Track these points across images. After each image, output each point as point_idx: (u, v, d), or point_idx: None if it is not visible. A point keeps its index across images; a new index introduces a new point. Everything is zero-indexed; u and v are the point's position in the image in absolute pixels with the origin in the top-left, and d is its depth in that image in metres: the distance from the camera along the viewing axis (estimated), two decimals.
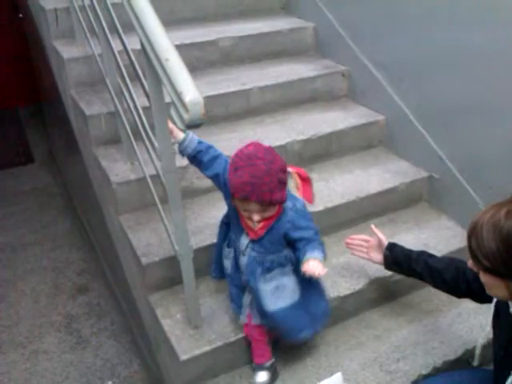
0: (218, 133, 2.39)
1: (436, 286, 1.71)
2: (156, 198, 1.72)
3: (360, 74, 2.62)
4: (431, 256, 1.72)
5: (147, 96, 1.48)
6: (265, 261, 1.53)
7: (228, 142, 2.30)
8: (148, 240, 1.94)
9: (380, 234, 1.80)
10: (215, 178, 1.58)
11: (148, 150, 1.71)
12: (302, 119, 2.53)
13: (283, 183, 1.43)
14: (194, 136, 1.56)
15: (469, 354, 1.80)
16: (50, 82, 3.17)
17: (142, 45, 1.31)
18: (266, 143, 2.25)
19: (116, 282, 3.04)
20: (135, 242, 1.93)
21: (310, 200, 1.59)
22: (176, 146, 1.55)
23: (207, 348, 1.69)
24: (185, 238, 1.58)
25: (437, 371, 1.74)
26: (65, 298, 3.27)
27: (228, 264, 1.66)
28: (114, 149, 2.23)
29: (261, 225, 1.48)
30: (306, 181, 1.59)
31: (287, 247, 1.55)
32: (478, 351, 1.58)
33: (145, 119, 1.64)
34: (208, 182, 1.75)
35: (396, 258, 1.74)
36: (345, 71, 2.69)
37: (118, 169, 2.10)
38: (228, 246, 1.65)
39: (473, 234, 1.10)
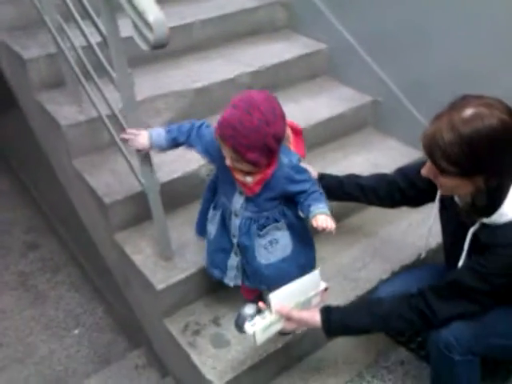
0: (163, 70, 2.36)
1: (371, 202, 1.77)
2: (115, 134, 1.69)
3: (300, 2, 2.63)
4: (359, 176, 1.76)
5: (96, 27, 1.43)
6: (260, 218, 1.48)
7: (175, 78, 2.28)
8: (107, 181, 1.92)
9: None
10: (201, 148, 1.50)
11: (99, 89, 1.66)
12: (247, 52, 2.52)
13: (269, 150, 1.33)
14: (157, 130, 1.50)
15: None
16: None
17: None
18: (214, 78, 2.29)
19: (69, 234, 2.99)
20: (94, 184, 1.90)
21: (303, 154, 1.53)
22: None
23: (181, 276, 1.74)
24: (151, 170, 1.58)
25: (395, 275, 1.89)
26: (15, 256, 3.19)
27: (212, 228, 1.59)
28: (57, 93, 2.13)
29: (256, 180, 1.41)
30: (298, 134, 1.53)
31: (283, 203, 1.49)
32: (425, 241, 1.70)
33: (100, 54, 1.56)
34: None
35: (328, 186, 1.68)
36: (284, 1, 2.69)
37: (65, 112, 2.02)
38: (214, 209, 1.58)
39: (433, 145, 1.17)
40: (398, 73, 2.31)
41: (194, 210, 1.98)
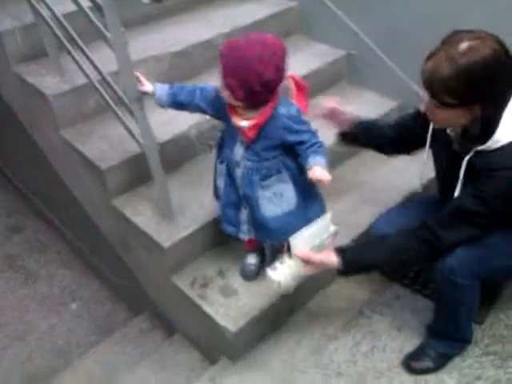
0: (137, 36, 2.33)
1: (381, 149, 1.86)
2: (108, 98, 1.70)
3: None
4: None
5: None
6: (261, 168, 1.52)
7: (151, 43, 2.27)
8: (99, 147, 1.93)
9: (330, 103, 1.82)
10: (207, 105, 1.56)
11: (87, 55, 1.66)
12: (219, 14, 2.54)
13: (249, 88, 1.35)
14: (162, 85, 1.57)
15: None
16: None
17: None
18: (190, 40, 2.29)
19: (55, 213, 2.97)
20: (87, 152, 1.91)
21: (304, 109, 1.55)
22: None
23: (185, 233, 1.79)
24: (149, 130, 1.61)
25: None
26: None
27: (221, 182, 1.63)
28: (36, 64, 2.11)
29: (251, 125, 1.45)
30: (301, 89, 1.56)
31: (284, 154, 1.52)
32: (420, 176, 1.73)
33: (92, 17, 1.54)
34: None
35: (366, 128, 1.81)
36: None
37: (48, 82, 2.01)
38: (221, 163, 1.62)
39: (434, 79, 1.24)
40: (371, 25, 2.36)
41: (187, 171, 2.05)
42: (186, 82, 2.24)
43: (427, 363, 1.71)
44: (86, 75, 1.76)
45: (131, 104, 1.54)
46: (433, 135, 1.53)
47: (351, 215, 2.04)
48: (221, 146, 1.64)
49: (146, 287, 2.20)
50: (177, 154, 2.00)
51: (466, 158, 1.36)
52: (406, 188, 2.14)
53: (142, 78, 1.56)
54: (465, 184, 1.39)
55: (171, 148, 1.96)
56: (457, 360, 1.75)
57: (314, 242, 1.46)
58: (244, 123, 1.46)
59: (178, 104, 1.60)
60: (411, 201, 1.90)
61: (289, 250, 1.42)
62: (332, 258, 1.45)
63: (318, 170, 1.42)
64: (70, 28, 1.71)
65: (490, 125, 1.30)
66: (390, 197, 2.10)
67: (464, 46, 1.20)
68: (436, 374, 1.73)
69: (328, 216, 1.50)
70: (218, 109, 1.54)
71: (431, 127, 1.51)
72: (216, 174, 1.67)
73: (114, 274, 2.57)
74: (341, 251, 1.47)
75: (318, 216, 1.63)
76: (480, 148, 1.33)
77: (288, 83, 1.53)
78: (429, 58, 1.27)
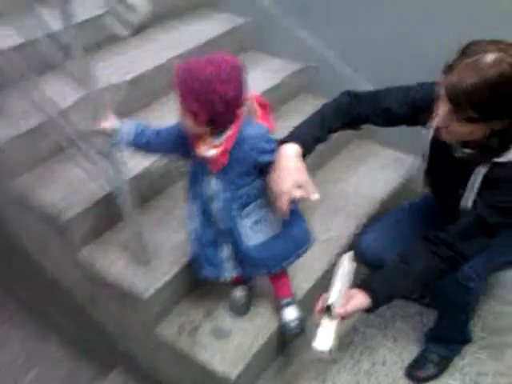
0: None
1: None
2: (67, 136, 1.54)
3: None
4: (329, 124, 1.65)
5: None
6: (238, 197, 1.45)
7: (105, 72, 2.08)
8: (57, 197, 1.74)
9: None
10: (172, 144, 1.47)
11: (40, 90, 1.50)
12: (170, 36, 2.41)
13: (213, 109, 1.28)
14: (127, 122, 1.47)
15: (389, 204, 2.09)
16: None
17: None
18: (144, 66, 2.14)
19: (6, 274, 2.67)
20: (42, 201, 1.72)
21: (272, 127, 1.48)
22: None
23: (166, 278, 1.65)
24: (119, 168, 1.49)
25: (365, 227, 1.97)
26: None
27: (196, 223, 1.54)
28: None
29: (220, 151, 1.36)
30: (265, 108, 1.48)
31: (259, 177, 1.45)
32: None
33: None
34: None
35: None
36: None
37: None
38: (193, 203, 1.53)
39: (459, 92, 1.16)
40: (326, 36, 2.33)
41: (154, 208, 1.92)
42: (144, 109, 2.14)
43: (431, 370, 1.71)
44: (44, 111, 1.58)
45: (104, 143, 1.42)
46: (432, 144, 1.48)
47: (325, 230, 1.99)
48: (190, 185, 1.55)
49: (120, 341, 2.02)
50: (143, 190, 1.84)
51: (484, 171, 1.32)
52: (378, 196, 2.14)
53: (109, 113, 1.43)
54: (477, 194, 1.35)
55: (137, 184, 1.80)
56: (456, 359, 1.77)
57: (344, 288, 1.37)
58: (212, 152, 1.38)
59: (142, 144, 1.49)
60: (389, 212, 1.86)
61: (327, 311, 1.32)
62: (364, 301, 1.34)
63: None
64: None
65: (510, 138, 1.27)
66: (362, 206, 2.09)
67: (491, 57, 1.14)
68: (440, 379, 1.73)
69: (347, 256, 1.44)
70: (183, 145, 1.45)
71: (430, 136, 1.46)
72: (189, 216, 1.57)
73: (78, 330, 2.35)
74: (370, 291, 1.35)
75: (306, 234, 1.60)
76: (499, 160, 1.29)
77: (251, 104, 1.46)
78: (450, 69, 1.20)
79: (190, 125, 1.34)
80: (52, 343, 2.56)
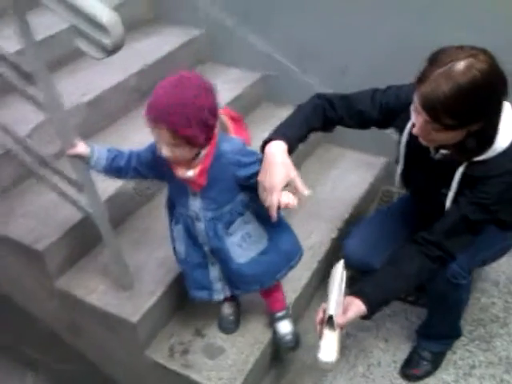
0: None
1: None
2: (33, 164, 1.46)
3: None
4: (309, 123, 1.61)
5: None
6: (222, 215, 1.41)
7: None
8: (27, 227, 1.65)
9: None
10: (146, 168, 1.43)
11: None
12: (125, 52, 2.19)
13: (206, 125, 1.25)
14: (99, 148, 1.42)
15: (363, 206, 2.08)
16: None
17: None
18: (101, 86, 2.08)
19: None
20: (12, 234, 1.63)
21: (247, 140, 1.45)
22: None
23: (152, 300, 1.59)
24: (95, 193, 1.42)
25: (343, 231, 1.97)
26: None
27: (181, 245, 1.50)
28: None
29: (197, 171, 1.33)
30: (237, 121, 1.45)
31: (240, 192, 1.43)
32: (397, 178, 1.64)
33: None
34: None
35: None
36: None
37: None
38: (176, 224, 1.48)
39: (435, 102, 1.15)
40: (282, 43, 2.33)
41: (131, 229, 1.85)
42: (104, 130, 2.06)
43: (426, 367, 1.71)
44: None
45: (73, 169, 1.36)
46: (408, 145, 1.48)
47: (307, 237, 1.95)
48: (171, 207, 1.51)
49: (104, 368, 1.94)
50: (117, 212, 1.78)
51: (461, 169, 1.32)
52: (353, 198, 2.14)
53: (78, 140, 1.37)
54: (457, 192, 1.36)
55: (110, 206, 1.74)
56: (448, 354, 1.78)
57: (340, 297, 1.36)
58: (190, 173, 1.34)
59: (115, 170, 1.44)
60: (369, 215, 1.86)
61: (328, 323, 1.30)
62: (361, 308, 1.32)
63: (283, 196, 1.32)
64: None
65: (488, 138, 1.27)
66: (338, 210, 2.09)
67: (461, 64, 1.14)
68: (434, 375, 1.73)
69: (339, 265, 1.43)
70: (158, 168, 1.40)
71: (404, 139, 1.46)
72: (173, 239, 1.53)
73: (54, 362, 2.23)
74: (364, 297, 1.34)
75: (295, 246, 1.58)
76: (478, 159, 1.30)
77: (223, 119, 1.43)
78: (422, 80, 1.19)
79: (183, 152, 1.28)
80: (28, 382, 2.43)
